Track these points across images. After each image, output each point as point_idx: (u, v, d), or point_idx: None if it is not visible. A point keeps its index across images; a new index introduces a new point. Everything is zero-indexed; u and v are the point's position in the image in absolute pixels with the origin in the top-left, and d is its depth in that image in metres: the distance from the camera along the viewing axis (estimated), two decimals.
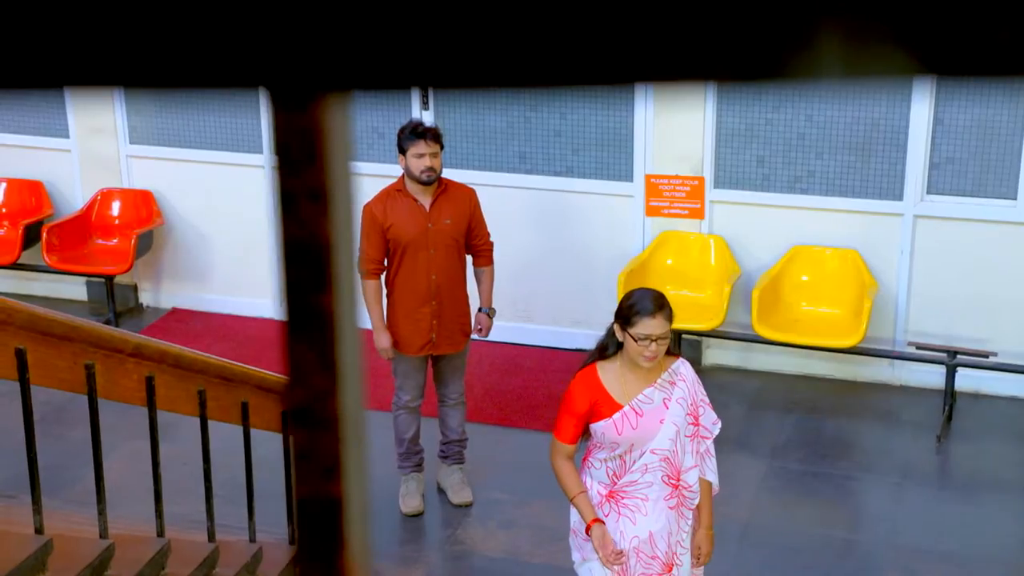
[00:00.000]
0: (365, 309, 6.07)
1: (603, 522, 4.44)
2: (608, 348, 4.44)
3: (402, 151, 5.98)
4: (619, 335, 4.36)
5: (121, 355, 3.92)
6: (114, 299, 8.56)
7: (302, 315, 0.42)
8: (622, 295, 7.47)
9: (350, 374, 0.43)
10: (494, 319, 6.43)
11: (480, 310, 6.28)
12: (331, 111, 0.42)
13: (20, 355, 3.48)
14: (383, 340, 6.07)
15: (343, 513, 0.44)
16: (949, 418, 7.12)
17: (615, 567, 4.43)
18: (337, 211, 0.42)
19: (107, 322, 8.12)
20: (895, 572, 5.84)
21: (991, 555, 5.98)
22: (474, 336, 6.33)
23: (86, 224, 8.66)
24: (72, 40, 0.48)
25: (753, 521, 6.21)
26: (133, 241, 8.37)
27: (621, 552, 4.40)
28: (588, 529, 4.43)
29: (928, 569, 5.84)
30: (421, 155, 5.89)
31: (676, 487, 4.46)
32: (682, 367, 4.50)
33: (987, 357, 7.06)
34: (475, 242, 6.17)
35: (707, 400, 4.57)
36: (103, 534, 3.92)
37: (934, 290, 7.39)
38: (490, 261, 6.25)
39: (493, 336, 7.84)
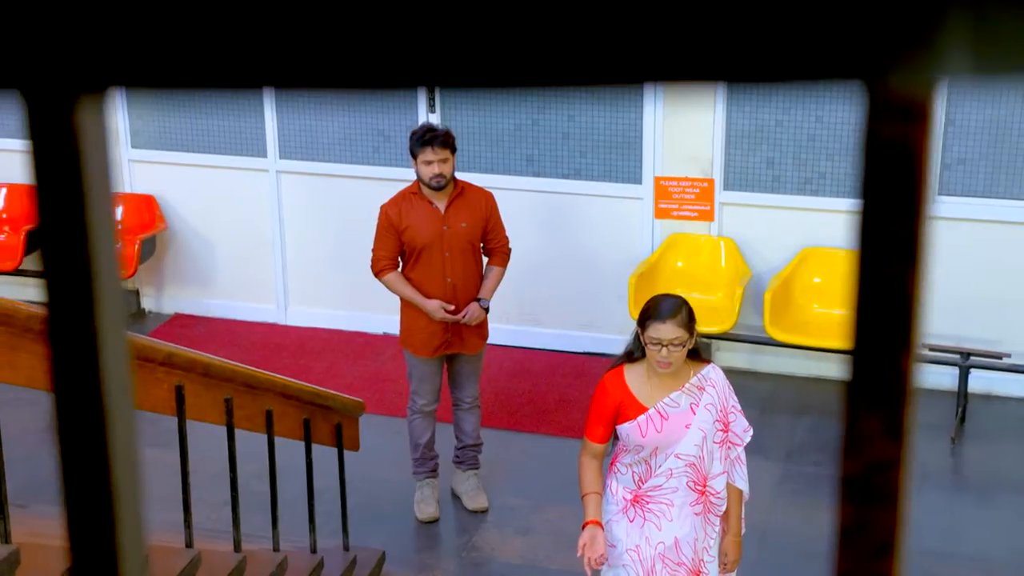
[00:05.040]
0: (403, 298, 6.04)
1: (601, 525, 4.40)
2: (634, 352, 4.41)
3: (413, 156, 5.96)
4: (642, 338, 4.35)
5: (153, 364, 3.87)
6: None
7: (871, 376, 0.38)
8: (632, 298, 7.47)
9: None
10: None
11: (477, 299, 6.12)
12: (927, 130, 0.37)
13: None
14: (431, 304, 5.97)
15: None
16: (962, 420, 7.10)
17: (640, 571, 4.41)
18: (922, 265, 0.37)
19: None
20: (913, 575, 5.82)
21: (1010, 558, 5.96)
22: (457, 316, 6.04)
23: None
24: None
25: (771, 525, 6.18)
26: (136, 246, 8.30)
27: (604, 556, 4.37)
28: (584, 526, 4.39)
29: (947, 572, 5.82)
30: (429, 162, 5.86)
31: (703, 493, 4.43)
32: (712, 372, 4.47)
33: (1000, 358, 7.05)
34: (491, 245, 6.13)
35: (739, 407, 4.53)
36: None
37: (946, 291, 7.36)
38: (503, 263, 6.19)
39: (501, 340, 7.81)
